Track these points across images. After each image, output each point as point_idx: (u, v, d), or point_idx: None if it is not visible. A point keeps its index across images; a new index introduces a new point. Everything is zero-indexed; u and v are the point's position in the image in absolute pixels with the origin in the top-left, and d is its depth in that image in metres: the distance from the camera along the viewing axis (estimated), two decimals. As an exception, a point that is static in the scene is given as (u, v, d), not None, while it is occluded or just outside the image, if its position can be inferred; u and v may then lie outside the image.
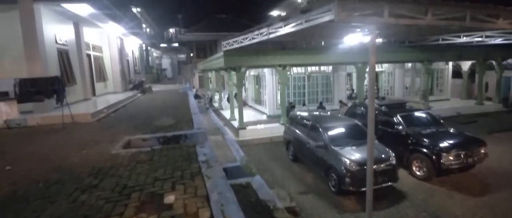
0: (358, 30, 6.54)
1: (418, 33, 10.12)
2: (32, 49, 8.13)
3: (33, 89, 7.04)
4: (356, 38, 8.26)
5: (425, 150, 7.54)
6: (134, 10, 21.67)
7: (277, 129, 12.14)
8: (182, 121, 7.19)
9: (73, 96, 10.37)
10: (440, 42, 12.56)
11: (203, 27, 29.31)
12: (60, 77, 7.14)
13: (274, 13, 26.69)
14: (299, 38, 9.57)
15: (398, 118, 8.42)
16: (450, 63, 17.93)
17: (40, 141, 5.80)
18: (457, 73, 18.97)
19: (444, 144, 7.44)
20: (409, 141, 7.90)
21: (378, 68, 16.16)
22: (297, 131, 9.08)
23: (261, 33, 7.61)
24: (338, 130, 7.74)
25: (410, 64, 17.09)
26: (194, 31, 28.71)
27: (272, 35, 7.15)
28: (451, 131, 8.44)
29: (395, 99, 13.61)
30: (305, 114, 9.35)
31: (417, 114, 8.96)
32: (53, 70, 8.84)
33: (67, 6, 8.55)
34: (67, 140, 5.74)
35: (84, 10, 9.04)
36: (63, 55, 9.82)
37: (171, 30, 36.94)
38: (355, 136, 7.60)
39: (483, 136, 9.16)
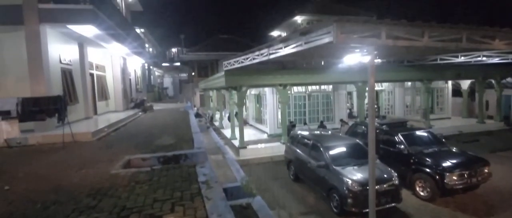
0: (357, 50, 6.67)
1: (416, 53, 10.29)
2: (37, 69, 8.27)
3: (35, 109, 7.11)
4: (355, 58, 8.39)
5: (428, 170, 7.45)
6: (138, 30, 22.18)
7: (278, 148, 12.07)
8: (182, 140, 7.18)
9: (74, 115, 10.42)
10: (439, 62, 12.74)
11: (205, 47, 29.86)
12: (63, 97, 7.18)
13: (275, 33, 27.27)
14: (299, 58, 9.73)
15: (399, 137, 8.38)
16: (450, 82, 18.07)
17: (40, 160, 5.77)
18: (457, 91, 19.07)
19: (447, 164, 7.36)
20: (412, 161, 7.82)
21: (378, 87, 16.29)
22: (298, 150, 9.02)
23: (261, 54, 7.76)
24: (339, 149, 7.69)
25: (410, 83, 17.22)
26: (196, 50, 29.23)
27: (272, 56, 7.28)
28: (454, 150, 8.37)
29: (396, 118, 13.61)
30: (306, 133, 9.33)
31: (418, 132, 8.94)
32: (56, 89, 8.95)
33: (72, 27, 8.77)
34: (66, 159, 5.71)
35: (89, 31, 9.26)
36: (66, 74, 9.97)
37: (174, 50, 37.62)
38: (357, 155, 7.54)
39: (486, 155, 9.07)
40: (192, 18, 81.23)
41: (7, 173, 4.87)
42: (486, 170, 7.57)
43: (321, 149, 7.66)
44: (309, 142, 8.47)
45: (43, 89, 8.18)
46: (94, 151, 6.37)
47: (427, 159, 7.66)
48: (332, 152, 7.54)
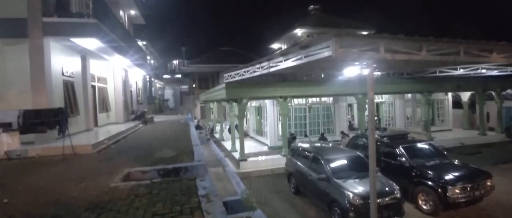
0: (357, 63, 6.73)
1: (415, 66, 10.38)
2: (39, 81, 8.34)
3: (37, 121, 7.13)
4: (354, 71, 8.47)
5: (430, 183, 7.38)
6: (140, 43, 22.48)
7: (278, 161, 12.00)
8: (183, 152, 7.16)
9: (75, 126, 10.43)
10: (438, 74, 12.82)
11: (206, 59, 30.14)
12: (64, 109, 7.22)
13: (275, 45, 27.57)
14: (299, 71, 9.83)
15: (400, 149, 8.35)
16: (450, 94, 18.12)
17: (40, 173, 5.75)
18: (457, 103, 19.08)
19: (450, 177, 7.30)
20: (413, 173, 7.76)
21: (378, 99, 16.34)
22: (298, 163, 8.98)
23: (262, 67, 7.84)
24: (340, 162, 7.65)
25: (410, 95, 17.27)
26: (197, 63, 29.49)
27: (272, 69, 7.36)
28: (456, 162, 8.32)
29: (397, 130, 13.57)
30: (306, 145, 9.30)
31: (419, 145, 8.90)
32: (58, 101, 9.00)
33: (76, 40, 8.90)
34: (66, 172, 5.69)
35: (92, 44, 9.39)
36: (68, 86, 10.04)
37: (175, 62, 37.95)
38: (358, 168, 7.49)
39: (488, 168, 9.00)
40: (193, 31, 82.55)
41: (7, 186, 4.85)
42: (489, 183, 7.50)
43: (322, 161, 7.62)
44: (309, 154, 8.44)
45: (45, 102, 8.24)
46: (93, 164, 6.35)
47: (429, 172, 7.60)
48: (333, 165, 7.50)
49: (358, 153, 8.25)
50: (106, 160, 6.65)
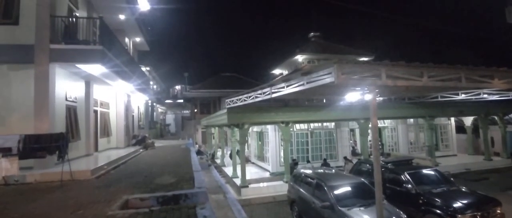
0: (358, 88, 6.77)
1: (416, 92, 10.43)
2: (42, 107, 8.38)
3: (37, 146, 7.08)
4: (356, 96, 8.45)
5: (438, 211, 7.12)
6: (144, 68, 22.89)
7: (280, 187, 11.73)
8: (183, 179, 7.02)
9: (75, 151, 10.35)
10: (439, 99, 12.84)
11: (208, 84, 30.48)
12: (65, 134, 7.18)
13: (277, 71, 27.99)
14: (300, 96, 9.85)
15: (406, 176, 8.16)
16: (453, 119, 18.03)
17: (37, 199, 5.60)
18: (460, 128, 18.94)
19: (458, 205, 7.05)
20: (421, 201, 7.51)
21: (381, 123, 16.25)
22: (301, 189, 8.75)
23: (264, 92, 7.90)
24: (344, 189, 7.44)
25: (412, 120, 17.20)
26: (199, 88, 29.79)
27: (274, 95, 7.40)
28: (463, 189, 8.08)
29: (401, 155, 13.35)
30: (309, 171, 9.12)
31: (425, 171, 8.70)
32: (60, 126, 8.99)
33: (81, 66, 9.06)
34: (63, 199, 5.54)
35: (97, 70, 9.55)
36: (71, 111, 10.08)
37: (177, 87, 38.42)
38: (363, 196, 7.27)
39: (497, 194, 8.71)
40: (196, 57, 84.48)
41: (3, 213, 4.70)
42: (498, 211, 7.23)
43: (326, 188, 7.42)
44: (312, 180, 8.24)
45: (47, 127, 8.22)
46: (91, 190, 6.20)
47: (437, 200, 7.36)
48: (337, 192, 7.29)
49: (363, 179, 8.05)
50: (104, 186, 6.50)
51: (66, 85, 9.74)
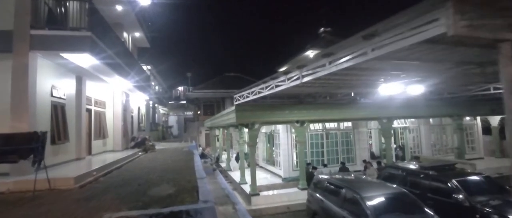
0: (402, 75, 5.42)
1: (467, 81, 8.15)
2: (21, 103, 7.17)
3: (8, 148, 5.81)
4: (393, 88, 7.07)
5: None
6: (145, 67, 21.70)
7: (295, 195, 10.34)
8: (184, 189, 5.68)
9: (64, 155, 9.10)
10: (477, 92, 11.18)
11: (211, 84, 29.33)
12: (41, 134, 5.89)
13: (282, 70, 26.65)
14: (325, 89, 8.32)
15: (455, 184, 6.72)
16: (479, 118, 16.52)
17: (2, 215, 4.33)
18: (485, 129, 17.41)
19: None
20: (478, 216, 6.08)
21: (401, 124, 14.80)
22: (325, 200, 7.34)
23: (290, 78, 6.25)
24: (383, 201, 6.02)
25: (436, 120, 15.72)
26: (202, 88, 28.63)
27: (308, 78, 5.66)
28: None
29: (435, 159, 11.77)
30: (336, 177, 7.72)
31: (474, 178, 7.26)
32: (43, 126, 7.74)
33: (67, 56, 7.81)
34: (31, 216, 4.23)
35: (86, 61, 8.29)
36: (57, 109, 8.81)
37: (180, 88, 37.25)
38: (406, 209, 5.88)
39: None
40: (199, 56, 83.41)
41: None
42: None
43: (360, 200, 6.02)
44: (341, 190, 6.83)
45: (25, 126, 6.95)
46: (68, 204, 4.89)
47: (497, 215, 5.93)
48: (374, 204, 5.89)
49: (403, 189, 6.62)
50: (85, 199, 5.18)
51: (51, 80, 8.49)
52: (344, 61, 4.32)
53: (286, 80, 6.38)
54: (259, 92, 8.58)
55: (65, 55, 7.76)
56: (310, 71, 5.38)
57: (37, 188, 6.03)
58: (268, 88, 7.60)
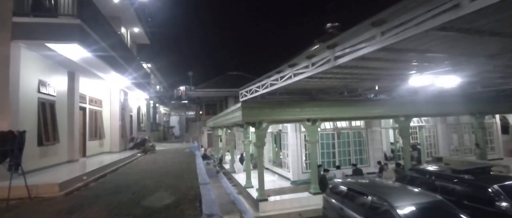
0: (441, 64, 4.52)
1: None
2: (0, 98, 6.33)
3: (-20, 151, 4.98)
4: (424, 80, 6.18)
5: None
6: (145, 65, 20.90)
7: (307, 200, 9.47)
8: (185, 198, 4.83)
9: (53, 157, 8.28)
10: (503, 87, 10.24)
11: (214, 84, 28.50)
12: (19, 134, 5.05)
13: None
14: (346, 82, 7.28)
15: (497, 190, 5.81)
16: (497, 117, 15.57)
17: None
18: (502, 128, 16.45)
19: None
20: (530, 229, 5.18)
21: (417, 123, 13.87)
22: (344, 207, 6.47)
23: (323, 59, 5.21)
24: (417, 211, 5.13)
25: (453, 118, 14.78)
26: (204, 87, 27.81)
27: (344, 59, 4.59)
28: None
29: (468, 161, 10.72)
30: (361, 182, 6.83)
31: (516, 183, 6.33)
32: (28, 125, 6.94)
33: (54, 47, 6.98)
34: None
35: (76, 53, 7.45)
36: (46, 107, 7.98)
37: (181, 88, 36.47)
38: (446, 221, 4.99)
39: None
40: (200, 55, 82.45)
41: None
42: None
43: (391, 209, 5.13)
44: (364, 197, 5.95)
45: (6, 125, 6.11)
46: (45, 219, 4.04)
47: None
48: (407, 215, 5.00)
49: (439, 197, 5.71)
50: (68, 211, 4.33)
51: (38, 74, 7.68)
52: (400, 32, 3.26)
53: (309, 66, 5.31)
54: (271, 85, 7.55)
55: (52, 46, 6.92)
56: (347, 50, 4.34)
57: (15, 196, 5.21)
58: (283, 79, 6.52)
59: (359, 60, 4.53)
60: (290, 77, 6.10)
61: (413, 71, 5.81)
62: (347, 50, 4.47)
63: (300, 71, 5.63)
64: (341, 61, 4.51)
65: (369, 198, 5.78)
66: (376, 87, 8.43)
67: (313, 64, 5.13)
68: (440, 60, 4.82)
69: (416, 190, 6.09)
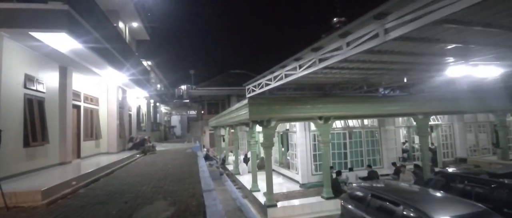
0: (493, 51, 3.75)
1: None
2: (-23, 93, 5.61)
3: None
4: (461, 70, 5.37)
5: None
6: (145, 63, 20.17)
7: (319, 206, 8.70)
8: (186, 209, 4.06)
9: (42, 160, 7.54)
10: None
11: (216, 82, 27.82)
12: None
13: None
14: (369, 73, 6.48)
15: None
16: (516, 115, 14.70)
17: None
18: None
19: None
20: None
21: (433, 121, 13.04)
22: (367, 216, 5.68)
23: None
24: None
25: (470, 116, 13.94)
26: (206, 86, 27.10)
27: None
28: None
29: (493, 163, 9.92)
30: (390, 187, 6.01)
31: None
32: (12, 124, 6.24)
33: (39, 36, 6.23)
34: None
35: (64, 43, 6.71)
36: (33, 104, 7.23)
37: (183, 87, 35.75)
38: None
39: None
40: (202, 53, 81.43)
41: None
42: None
43: (428, 221, 4.33)
44: (393, 205, 5.15)
45: (-16, 124, 5.40)
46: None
47: None
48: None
49: (482, 206, 4.91)
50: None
51: (24, 68, 6.93)
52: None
53: (344, 47, 4.09)
54: (286, 76, 6.69)
55: (37, 35, 6.17)
56: (408, 17, 3.29)
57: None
58: (302, 69, 5.60)
59: (404, 40, 3.56)
60: (314, 63, 5.15)
61: (451, 59, 5.02)
62: (406, 19, 3.38)
63: (327, 55, 4.75)
64: (395, 35, 3.40)
65: (402, 207, 4.98)
66: (405, 80, 7.57)
67: (348, 44, 4.12)
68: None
69: (453, 198, 5.28)
